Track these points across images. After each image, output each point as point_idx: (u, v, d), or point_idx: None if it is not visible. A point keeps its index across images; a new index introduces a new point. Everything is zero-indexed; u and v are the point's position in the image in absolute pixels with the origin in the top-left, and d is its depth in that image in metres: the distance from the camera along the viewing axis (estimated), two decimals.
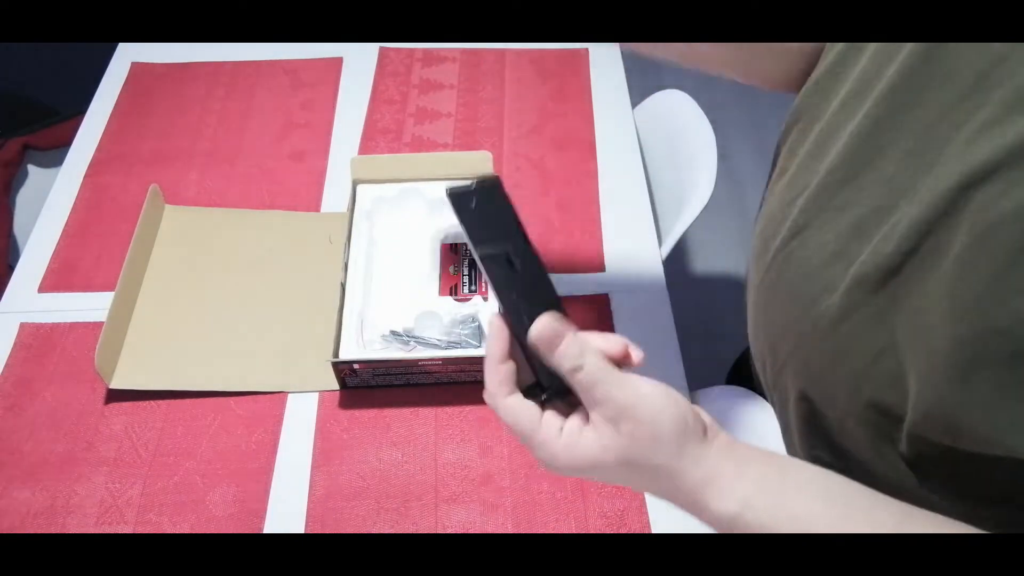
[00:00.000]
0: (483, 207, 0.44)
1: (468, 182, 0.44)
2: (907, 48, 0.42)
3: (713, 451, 0.40)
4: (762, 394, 0.68)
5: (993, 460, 0.38)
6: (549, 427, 0.42)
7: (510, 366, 0.43)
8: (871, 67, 0.45)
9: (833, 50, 0.49)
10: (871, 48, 0.46)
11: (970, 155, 0.37)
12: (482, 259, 0.44)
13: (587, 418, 0.41)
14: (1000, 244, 0.35)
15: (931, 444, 0.41)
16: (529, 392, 0.44)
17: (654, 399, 0.40)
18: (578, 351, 0.41)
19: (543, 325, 0.41)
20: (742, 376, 0.78)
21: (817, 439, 0.53)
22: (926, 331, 0.40)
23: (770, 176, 0.58)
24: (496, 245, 0.44)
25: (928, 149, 0.40)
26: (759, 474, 0.40)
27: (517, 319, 0.43)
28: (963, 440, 0.39)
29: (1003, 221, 0.35)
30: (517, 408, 0.42)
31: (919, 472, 0.44)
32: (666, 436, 0.39)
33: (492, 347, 0.43)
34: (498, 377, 0.43)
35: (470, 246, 0.44)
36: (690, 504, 0.41)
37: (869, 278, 0.43)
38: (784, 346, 0.52)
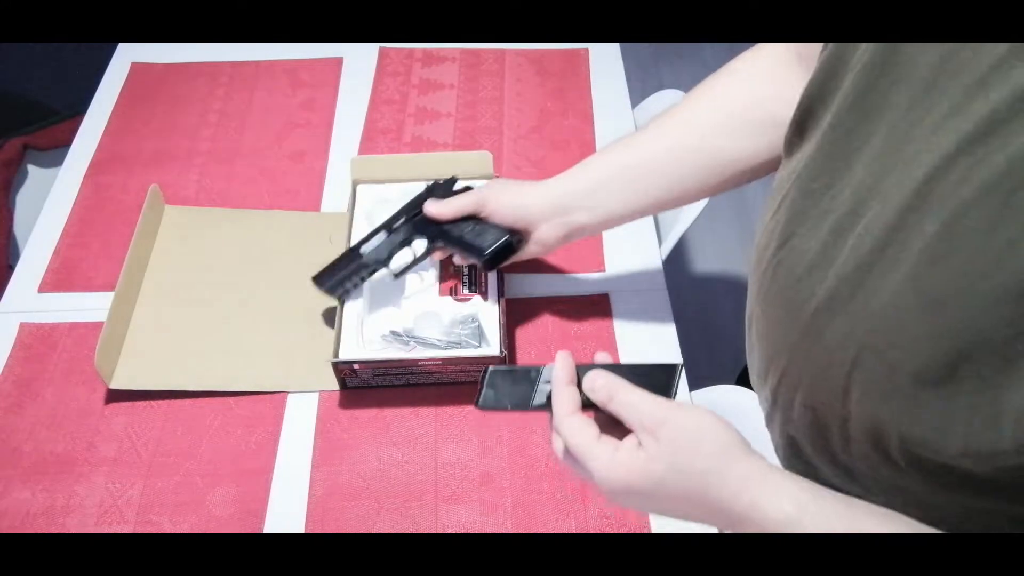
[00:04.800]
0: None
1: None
2: (866, 57, 0.42)
3: (757, 461, 0.43)
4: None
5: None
6: (604, 447, 0.45)
7: (573, 390, 0.48)
8: (849, 86, 0.46)
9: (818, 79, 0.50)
10: (850, 76, 0.46)
11: (931, 149, 0.37)
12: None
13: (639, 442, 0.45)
14: (967, 230, 0.35)
15: (922, 455, 0.41)
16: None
17: (694, 411, 0.44)
18: (604, 382, 0.47)
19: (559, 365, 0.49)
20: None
21: (823, 452, 0.53)
22: (898, 330, 0.40)
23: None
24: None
25: (893, 150, 0.41)
26: (809, 485, 0.42)
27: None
28: (948, 451, 0.39)
29: (966, 206, 0.35)
30: (577, 427, 0.46)
31: (921, 477, 0.44)
32: (709, 440, 0.43)
33: (559, 373, 0.49)
34: (564, 397, 0.48)
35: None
36: (738, 513, 0.42)
37: (849, 279, 0.43)
38: (781, 358, 0.53)
